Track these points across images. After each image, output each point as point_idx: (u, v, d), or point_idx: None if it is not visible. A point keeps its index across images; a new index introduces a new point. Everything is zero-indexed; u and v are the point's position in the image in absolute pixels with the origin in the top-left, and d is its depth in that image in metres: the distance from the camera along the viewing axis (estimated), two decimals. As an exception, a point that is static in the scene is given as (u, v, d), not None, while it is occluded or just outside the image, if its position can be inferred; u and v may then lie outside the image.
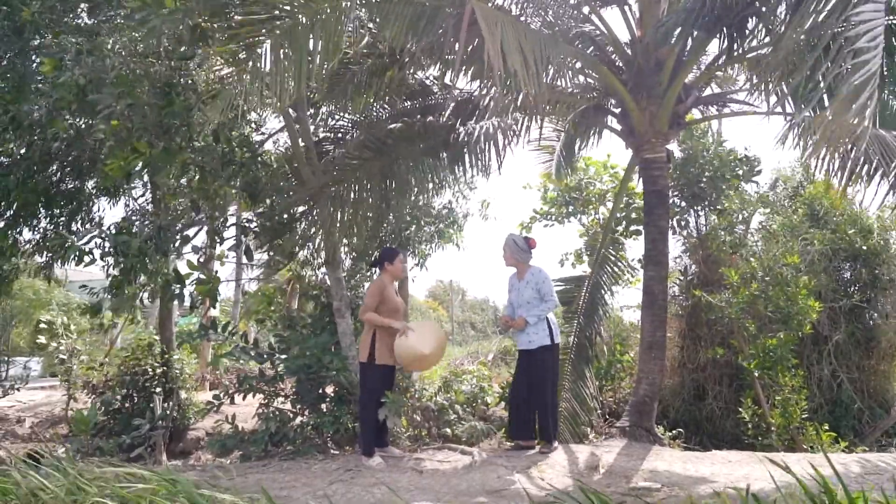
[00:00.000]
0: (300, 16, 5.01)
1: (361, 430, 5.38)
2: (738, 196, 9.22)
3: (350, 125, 7.95)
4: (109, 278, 6.06)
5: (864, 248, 8.77)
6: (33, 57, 6.58)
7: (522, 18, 6.00)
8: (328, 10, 5.03)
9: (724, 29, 5.45)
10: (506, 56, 4.41)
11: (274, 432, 5.91)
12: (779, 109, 6.36)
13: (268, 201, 6.94)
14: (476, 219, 12.13)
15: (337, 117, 8.17)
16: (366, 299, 5.29)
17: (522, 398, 5.49)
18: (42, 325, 13.31)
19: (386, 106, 7.71)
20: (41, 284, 12.44)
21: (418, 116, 7.27)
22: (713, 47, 6.51)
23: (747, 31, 5.57)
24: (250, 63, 5.01)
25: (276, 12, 5.03)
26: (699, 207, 9.67)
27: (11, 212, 7.43)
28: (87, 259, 6.07)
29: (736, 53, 5.77)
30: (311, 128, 7.67)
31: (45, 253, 8.02)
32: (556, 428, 5.57)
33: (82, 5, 6.32)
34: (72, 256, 5.95)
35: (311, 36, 5.00)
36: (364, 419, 5.31)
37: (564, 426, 7.11)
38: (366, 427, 5.26)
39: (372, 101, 7.42)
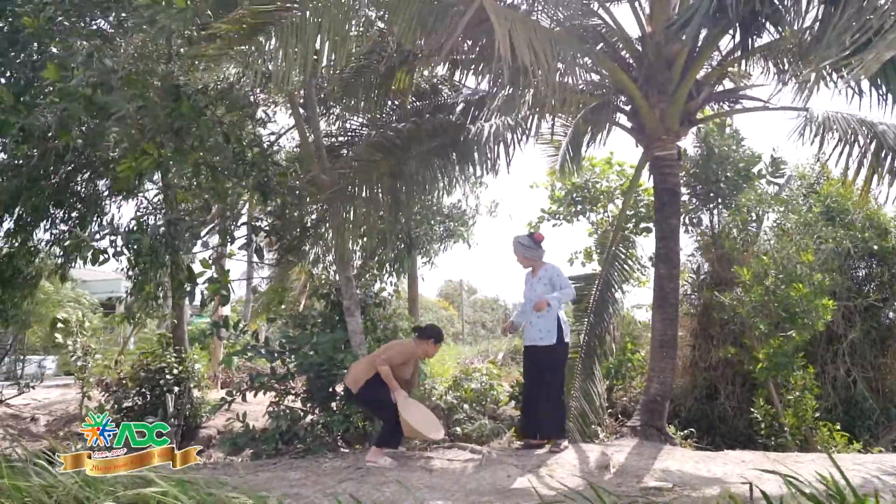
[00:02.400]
0: (307, 12, 5.00)
1: (384, 430, 5.26)
2: (751, 194, 9.13)
3: (361, 125, 7.95)
4: (131, 279, 6.11)
5: (879, 246, 8.66)
6: (39, 66, 6.62)
7: (533, 15, 5.97)
8: (334, 8, 5.02)
9: (737, 24, 5.38)
10: (516, 52, 4.38)
11: (285, 430, 5.93)
12: (793, 104, 6.28)
13: (278, 200, 6.96)
14: (485, 217, 12.12)
15: (347, 117, 8.19)
16: (391, 353, 5.19)
17: (532, 396, 5.47)
18: (59, 325, 13.43)
19: (395, 106, 7.70)
20: (50, 284, 12.56)
21: (427, 116, 7.26)
22: (726, 42, 6.45)
23: (762, 26, 5.50)
24: (258, 60, 5.02)
25: (283, 7, 5.01)
26: (713, 205, 9.60)
27: (27, 214, 7.51)
28: (101, 258, 6.12)
29: (749, 48, 5.69)
30: (322, 127, 7.69)
31: (60, 253, 8.10)
32: (565, 426, 5.52)
33: (95, 10, 6.36)
34: (87, 256, 6.00)
35: (318, 32, 4.99)
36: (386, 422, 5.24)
37: (574, 425, 7.08)
38: (388, 427, 5.19)
39: (381, 100, 7.42)
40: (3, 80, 6.33)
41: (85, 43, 5.71)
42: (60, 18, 6.04)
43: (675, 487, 4.23)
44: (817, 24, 4.84)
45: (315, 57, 5.02)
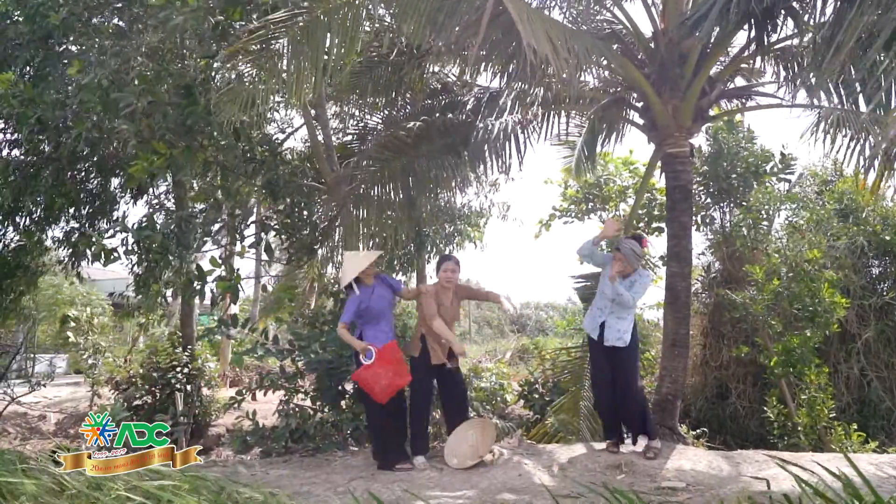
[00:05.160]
0: (317, 12, 5.00)
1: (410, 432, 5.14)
2: (764, 191, 9.06)
3: (372, 122, 7.95)
4: (135, 276, 6.12)
5: (894, 243, 8.57)
6: (61, 60, 6.68)
7: (546, 11, 5.94)
8: (344, 7, 5.01)
9: (752, 20, 5.32)
10: (535, 44, 4.33)
11: (294, 429, 5.92)
12: (806, 101, 6.23)
13: (288, 199, 6.96)
14: (497, 219, 12.09)
15: (358, 116, 8.18)
16: (424, 309, 5.05)
17: (610, 398, 5.11)
18: (71, 322, 13.50)
19: (406, 104, 7.69)
20: (62, 281, 12.64)
21: (437, 115, 7.24)
22: (739, 39, 6.40)
23: (778, 23, 5.44)
24: (269, 61, 5.02)
25: (294, 10, 5.02)
26: (725, 203, 9.53)
27: (40, 210, 7.56)
28: (112, 257, 6.12)
29: (764, 44, 5.63)
30: (333, 125, 7.70)
31: (70, 251, 8.15)
32: (652, 422, 5.19)
33: (109, 7, 6.40)
34: (98, 255, 6.02)
35: (329, 32, 4.98)
36: (410, 419, 5.12)
37: (585, 424, 7.04)
38: (412, 428, 5.09)
39: (392, 98, 7.41)
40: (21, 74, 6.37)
41: (97, 42, 5.74)
42: (73, 17, 6.07)
43: (688, 487, 4.19)
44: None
45: (326, 56, 5.01)
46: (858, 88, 5.58)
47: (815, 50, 5.30)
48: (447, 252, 11.26)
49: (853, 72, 5.15)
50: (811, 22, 5.08)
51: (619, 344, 4.96)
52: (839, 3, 4.41)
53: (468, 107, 7.29)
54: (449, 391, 5.26)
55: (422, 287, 5.33)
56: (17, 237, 7.92)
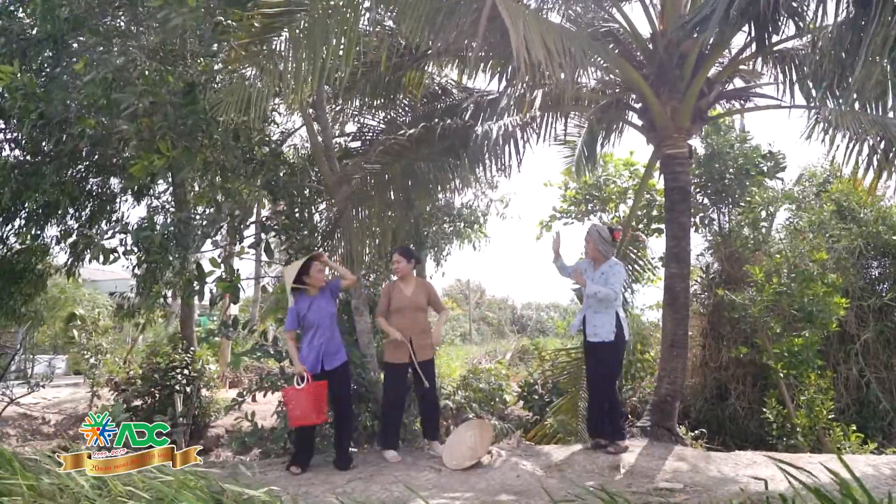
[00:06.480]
0: (316, 12, 5.00)
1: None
2: (763, 192, 9.06)
3: (373, 123, 7.96)
4: (135, 278, 6.12)
5: (893, 244, 8.57)
6: (67, 57, 6.68)
7: (543, 13, 5.94)
8: (342, 4, 5.01)
9: (751, 22, 5.32)
10: (529, 48, 4.34)
11: (293, 430, 5.92)
12: (804, 102, 6.24)
13: (288, 200, 6.96)
14: (495, 217, 12.22)
15: (358, 118, 8.18)
16: (379, 304, 5.48)
17: (592, 395, 5.34)
18: (77, 321, 13.51)
19: (407, 109, 7.70)
20: (64, 281, 12.66)
21: (436, 120, 7.25)
22: (738, 40, 6.42)
23: (779, 25, 5.45)
24: (269, 62, 5.02)
25: (293, 7, 5.02)
26: (723, 204, 9.53)
27: (40, 209, 7.57)
28: (112, 257, 6.13)
29: (765, 45, 5.64)
30: (333, 126, 7.70)
31: (71, 251, 8.15)
32: (622, 425, 5.25)
33: (112, 8, 6.40)
34: (98, 255, 6.03)
35: (327, 31, 4.99)
36: (381, 417, 5.55)
37: (585, 425, 7.05)
38: (382, 423, 5.49)
39: (392, 101, 7.41)
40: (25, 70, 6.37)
41: (99, 40, 5.75)
42: (76, 17, 6.08)
43: (686, 488, 4.20)
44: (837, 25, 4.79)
45: (325, 55, 5.01)
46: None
47: (822, 55, 5.31)
48: (446, 252, 11.29)
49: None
50: (820, 23, 5.09)
51: (594, 339, 5.08)
52: (854, 7, 4.42)
53: (468, 112, 7.29)
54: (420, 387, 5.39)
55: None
56: (18, 240, 7.94)
